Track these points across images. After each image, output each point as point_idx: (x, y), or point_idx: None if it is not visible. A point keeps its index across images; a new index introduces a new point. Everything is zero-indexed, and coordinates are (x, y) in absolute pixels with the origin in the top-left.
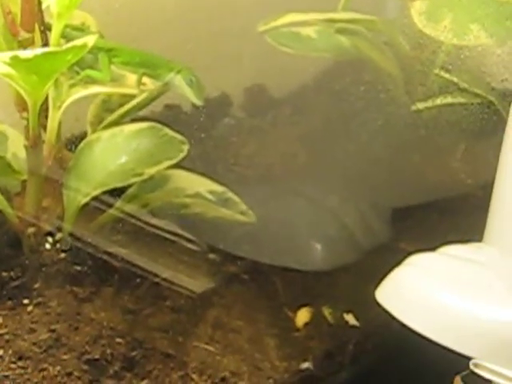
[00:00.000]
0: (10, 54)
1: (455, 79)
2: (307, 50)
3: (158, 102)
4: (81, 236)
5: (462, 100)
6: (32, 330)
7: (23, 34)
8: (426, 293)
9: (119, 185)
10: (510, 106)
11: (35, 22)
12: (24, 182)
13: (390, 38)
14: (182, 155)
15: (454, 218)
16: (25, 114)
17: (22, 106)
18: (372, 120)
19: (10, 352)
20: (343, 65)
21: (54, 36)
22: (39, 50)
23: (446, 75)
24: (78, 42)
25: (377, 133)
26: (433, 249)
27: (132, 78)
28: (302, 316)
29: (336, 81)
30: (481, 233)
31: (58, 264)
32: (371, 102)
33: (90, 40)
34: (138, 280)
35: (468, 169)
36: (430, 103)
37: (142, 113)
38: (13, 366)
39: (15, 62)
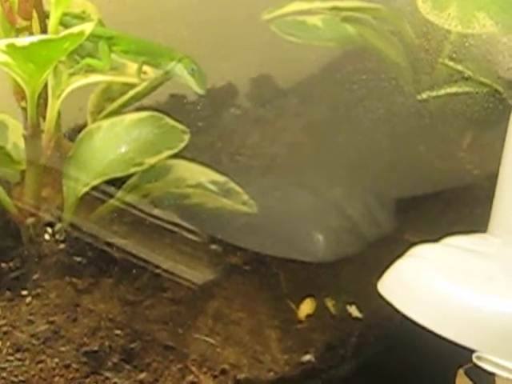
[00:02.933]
0: (7, 41)
1: (461, 68)
2: (313, 39)
3: (163, 92)
4: (80, 226)
5: (468, 89)
6: (30, 322)
7: (21, 22)
8: (428, 284)
9: (119, 174)
10: None
11: (33, 9)
12: (23, 171)
13: (397, 26)
14: (182, 145)
15: (459, 208)
16: (23, 103)
17: (21, 94)
18: (378, 110)
19: (8, 344)
20: (349, 54)
21: (51, 23)
22: (35, 38)
23: (452, 64)
24: (74, 30)
25: (382, 123)
26: (437, 240)
27: (133, 66)
28: (305, 308)
29: (342, 70)
30: (486, 224)
31: (57, 255)
32: (377, 92)
33: (88, 27)
34: (138, 271)
35: (474, 159)
36: (435, 92)
37: (146, 102)
38: (10, 357)
39: (11, 49)
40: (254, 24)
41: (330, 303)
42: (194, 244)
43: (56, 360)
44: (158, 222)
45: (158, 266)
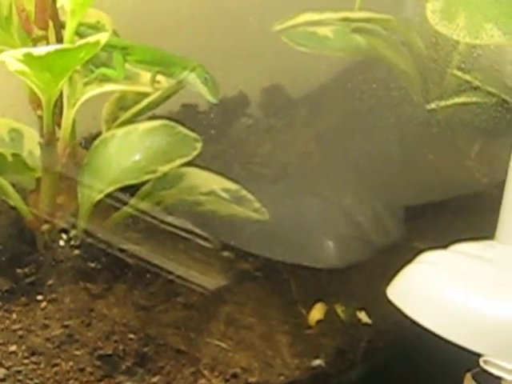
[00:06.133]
0: (23, 51)
1: (469, 78)
2: (324, 49)
3: (175, 102)
4: (95, 233)
5: (476, 99)
6: (45, 326)
7: (37, 32)
8: (436, 290)
9: (133, 182)
10: None
11: (49, 19)
12: (39, 179)
13: (406, 36)
14: (195, 153)
15: (467, 216)
16: (39, 112)
17: (37, 103)
18: (387, 119)
19: (24, 347)
20: (359, 64)
21: (67, 33)
22: (52, 47)
23: (461, 74)
24: (90, 39)
25: (392, 132)
26: (445, 247)
27: (146, 76)
28: (315, 313)
29: (352, 80)
30: (494, 231)
31: (71, 260)
32: (387, 101)
33: (103, 37)
34: (151, 277)
35: (482, 167)
36: (444, 102)
37: (159, 112)
38: (26, 361)
39: (28, 59)
40: (265, 34)
41: (339, 309)
42: (206, 250)
43: (70, 363)
44: (171, 228)
45: (171, 272)
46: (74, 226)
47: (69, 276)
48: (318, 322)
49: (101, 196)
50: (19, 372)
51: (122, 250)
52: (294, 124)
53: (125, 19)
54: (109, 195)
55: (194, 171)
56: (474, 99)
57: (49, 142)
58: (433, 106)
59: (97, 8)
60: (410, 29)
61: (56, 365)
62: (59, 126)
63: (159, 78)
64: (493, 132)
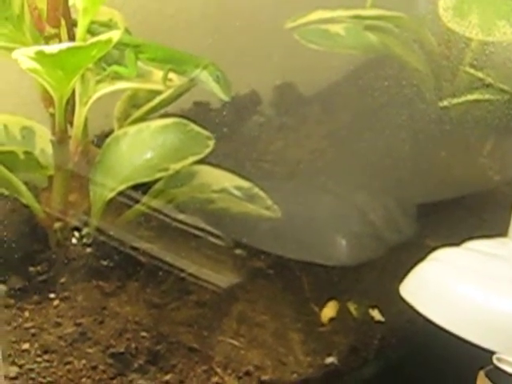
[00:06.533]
0: (35, 48)
1: (482, 75)
2: (336, 47)
3: (187, 99)
4: (107, 231)
5: (488, 96)
6: (58, 324)
7: (49, 30)
8: (449, 287)
9: (145, 180)
10: None
11: (61, 17)
12: (51, 177)
13: (418, 34)
14: (207, 150)
15: (480, 214)
16: (51, 110)
17: (49, 101)
18: (399, 116)
19: (36, 345)
20: (371, 62)
21: (79, 31)
22: (64, 45)
23: (473, 71)
24: (102, 37)
25: (404, 129)
26: (457, 244)
27: (159, 73)
28: (328, 311)
29: (364, 78)
30: (507, 229)
31: (84, 258)
32: (399, 99)
33: (115, 35)
34: (164, 275)
35: (495, 165)
36: (457, 99)
37: (171, 110)
38: (38, 359)
39: (40, 56)
40: (277, 32)
41: (352, 307)
42: (218, 248)
43: (83, 361)
44: (183, 226)
45: (183, 270)
46: (86, 224)
47: (81, 274)
48: (331, 319)
49: (113, 194)
50: (32, 370)
51: (134, 248)
52: (306, 122)
53: (137, 17)
54: (121, 193)
55: (206, 169)
56: (487, 96)
57: (61, 140)
58: (445, 103)
59: (109, 6)
60: (422, 26)
61: (68, 363)
62: (71, 123)
63: (171, 75)
64: (505, 129)
